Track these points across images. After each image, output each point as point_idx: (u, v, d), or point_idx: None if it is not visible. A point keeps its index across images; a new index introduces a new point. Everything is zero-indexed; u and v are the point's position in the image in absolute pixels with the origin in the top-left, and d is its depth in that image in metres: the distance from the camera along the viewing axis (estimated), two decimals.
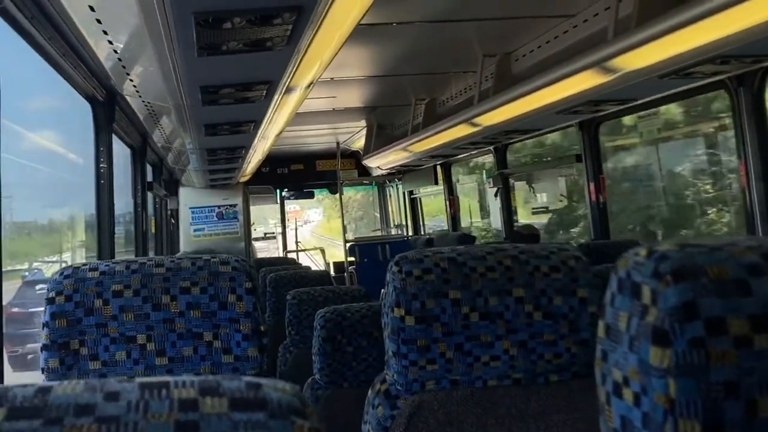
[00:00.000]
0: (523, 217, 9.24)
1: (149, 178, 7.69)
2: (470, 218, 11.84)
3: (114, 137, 5.28)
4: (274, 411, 0.61)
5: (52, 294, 1.80)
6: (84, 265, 1.86)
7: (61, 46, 3.41)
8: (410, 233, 13.09)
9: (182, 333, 1.82)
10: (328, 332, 3.18)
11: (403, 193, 13.28)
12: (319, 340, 3.19)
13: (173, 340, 1.82)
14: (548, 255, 1.86)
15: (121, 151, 6.38)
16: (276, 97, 4.17)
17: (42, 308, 1.82)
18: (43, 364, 1.79)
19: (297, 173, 13.46)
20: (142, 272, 1.83)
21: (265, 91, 3.91)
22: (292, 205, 15.83)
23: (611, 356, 0.85)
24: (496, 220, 9.31)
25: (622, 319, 0.83)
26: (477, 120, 6.16)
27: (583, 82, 4.50)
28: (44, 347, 1.79)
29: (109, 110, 4.94)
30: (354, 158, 13.29)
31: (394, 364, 1.84)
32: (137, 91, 4.22)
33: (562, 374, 1.85)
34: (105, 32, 2.83)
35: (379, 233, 14.72)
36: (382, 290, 1.93)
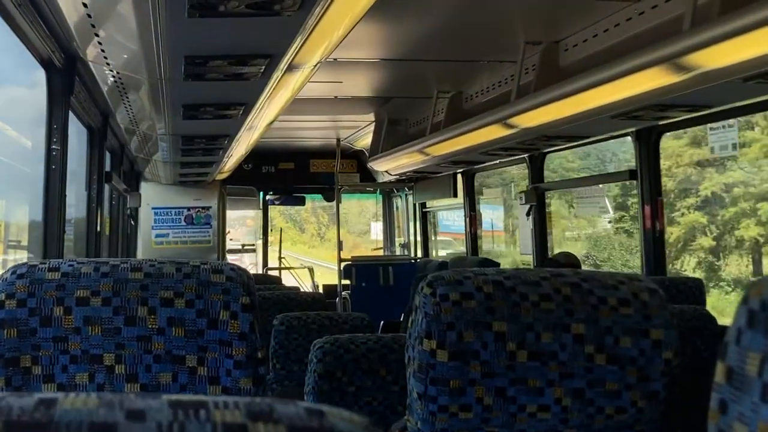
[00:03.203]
0: (557, 244, 9.22)
1: (107, 167, 7.68)
2: (493, 241, 11.83)
3: (70, 114, 5.27)
4: None
5: (1, 296, 1.77)
6: (42, 263, 1.82)
7: None
8: (419, 254, 13.08)
9: (160, 355, 1.79)
10: (326, 367, 3.15)
11: (414, 205, 13.27)
12: (315, 377, 3.16)
13: (148, 363, 1.79)
14: (617, 285, 1.83)
15: (74, 131, 6.37)
16: (275, 75, 4.15)
17: None
18: None
19: (286, 173, 13.47)
20: (115, 276, 1.79)
21: (263, 68, 3.89)
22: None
23: (733, 407, 0.82)
24: (526, 245, 9.29)
25: (752, 361, 0.80)
26: (513, 120, 6.14)
27: (648, 80, 4.48)
28: None
29: (67, 79, 4.92)
30: (356, 159, 13.28)
31: (419, 409, 1.80)
32: (105, 57, 4.19)
33: None
34: None
35: (381, 252, 14.72)
36: (410, 318, 1.90)
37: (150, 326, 1.79)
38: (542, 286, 1.80)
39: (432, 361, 1.77)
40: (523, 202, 8.74)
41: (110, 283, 1.79)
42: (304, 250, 34.01)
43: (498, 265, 9.37)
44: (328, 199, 13.93)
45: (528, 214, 8.79)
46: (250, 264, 15.58)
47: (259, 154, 12.07)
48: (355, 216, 32.70)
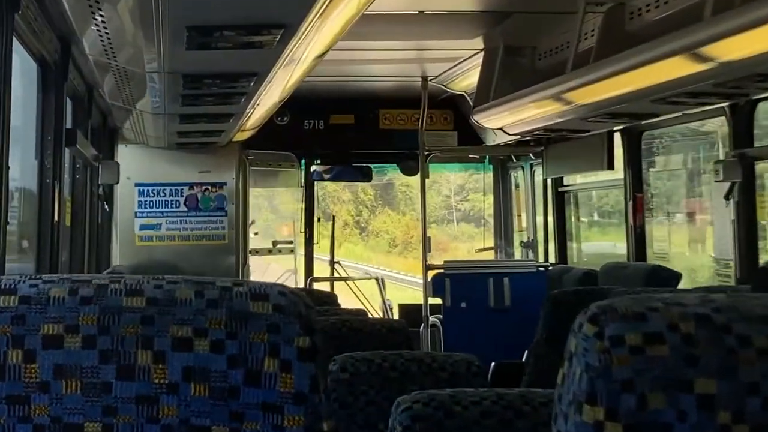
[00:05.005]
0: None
1: (68, 122, 7.77)
2: (668, 238, 11.75)
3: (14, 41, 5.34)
4: None
5: None
6: None
7: None
8: (551, 259, 13.02)
9: (172, 425, 1.80)
10: None
11: (544, 181, 13.22)
12: None
13: None
14: None
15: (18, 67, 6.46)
16: None
17: None
18: None
19: (341, 131, 13.50)
20: (102, 303, 1.81)
21: None
22: None
23: None
24: (723, 243, 9.21)
25: None
26: (706, 49, 6.10)
27: None
28: None
29: None
30: (452, 110, 13.27)
31: None
32: None
33: None
34: None
35: (489, 255, 14.70)
36: (561, 370, 1.89)
37: (156, 381, 1.80)
38: None
39: None
40: (720, 177, 8.66)
41: (95, 313, 1.81)
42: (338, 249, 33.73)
43: (679, 278, 9.29)
44: (408, 170, 13.92)
45: (728, 197, 8.71)
46: (287, 273, 15.56)
47: (300, 102, 12.06)
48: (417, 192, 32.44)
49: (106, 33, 5.93)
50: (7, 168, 5.06)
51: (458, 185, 35.81)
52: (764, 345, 1.77)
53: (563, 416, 1.83)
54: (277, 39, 5.33)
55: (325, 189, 33.61)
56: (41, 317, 1.79)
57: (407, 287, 24.39)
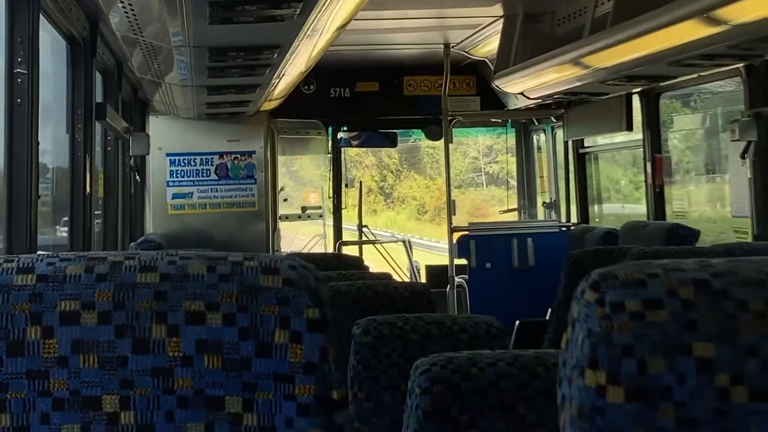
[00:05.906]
0: None
1: (98, 96, 7.77)
2: (688, 197, 11.71)
3: (42, 19, 5.34)
4: None
5: None
6: (8, 260, 1.84)
7: None
8: (573, 219, 13.00)
9: (186, 396, 1.80)
10: (434, 401, 3.15)
11: (565, 143, 13.18)
12: (417, 415, 3.17)
13: (169, 408, 1.80)
14: None
15: (47, 45, 6.45)
16: None
17: None
18: None
19: (367, 98, 13.47)
20: (117, 280, 1.81)
21: None
22: None
23: None
24: (740, 203, 9.16)
25: None
26: (720, 12, 6.06)
27: None
28: None
29: None
30: (474, 75, 13.20)
31: None
32: None
33: None
34: None
35: (513, 217, 14.67)
36: (565, 335, 1.89)
37: (171, 354, 1.80)
38: None
39: (600, 403, 1.76)
40: (737, 137, 8.60)
41: (110, 289, 1.81)
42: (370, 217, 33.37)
43: (697, 235, 9.26)
44: (432, 135, 13.89)
45: (744, 156, 8.65)
46: (317, 237, 15.54)
47: (326, 71, 12.05)
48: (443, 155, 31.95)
49: (132, 10, 5.92)
50: (37, 143, 5.07)
51: (486, 146, 35.41)
52: (762, 309, 1.76)
53: (567, 380, 1.83)
54: (298, 11, 5.32)
55: (347, 153, 33.05)
56: (58, 294, 1.80)
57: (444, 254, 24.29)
